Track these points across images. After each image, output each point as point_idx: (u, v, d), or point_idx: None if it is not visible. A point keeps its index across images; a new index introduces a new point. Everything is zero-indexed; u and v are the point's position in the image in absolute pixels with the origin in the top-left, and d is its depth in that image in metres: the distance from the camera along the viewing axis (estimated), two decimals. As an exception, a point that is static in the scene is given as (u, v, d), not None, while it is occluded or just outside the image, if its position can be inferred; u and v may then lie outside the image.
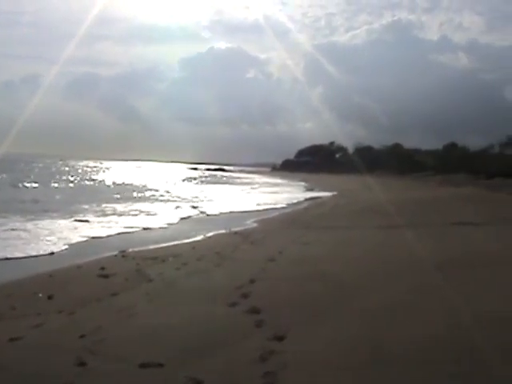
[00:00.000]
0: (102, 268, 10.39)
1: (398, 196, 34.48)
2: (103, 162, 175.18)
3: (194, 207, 28.05)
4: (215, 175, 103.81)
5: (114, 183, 54.41)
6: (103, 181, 60.19)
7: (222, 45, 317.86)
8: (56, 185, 47.66)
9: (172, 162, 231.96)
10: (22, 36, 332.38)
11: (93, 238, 15.53)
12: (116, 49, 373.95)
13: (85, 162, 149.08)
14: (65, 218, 20.13)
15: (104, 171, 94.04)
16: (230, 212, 26.00)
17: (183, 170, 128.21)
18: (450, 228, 16.74)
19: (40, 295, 8.39)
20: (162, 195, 38.27)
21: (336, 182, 63.44)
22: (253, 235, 15.48)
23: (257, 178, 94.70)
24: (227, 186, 62.21)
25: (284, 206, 31.10)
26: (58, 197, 32.81)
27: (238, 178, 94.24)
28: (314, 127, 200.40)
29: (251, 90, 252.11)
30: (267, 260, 10.75)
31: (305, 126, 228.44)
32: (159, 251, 12.64)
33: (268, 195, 42.19)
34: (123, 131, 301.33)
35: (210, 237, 15.88)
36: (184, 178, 72.07)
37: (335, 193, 43.17)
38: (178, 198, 35.99)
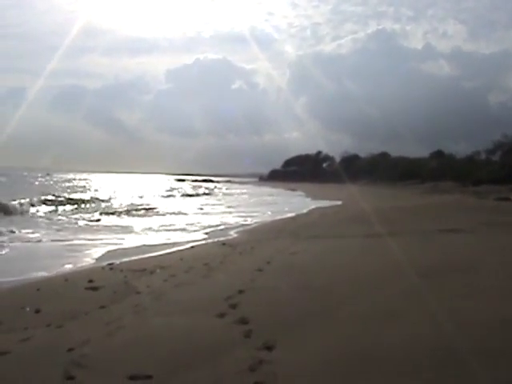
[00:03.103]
0: (90, 281, 10.32)
1: (386, 204, 34.61)
2: (91, 174, 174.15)
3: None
4: (214, 188, 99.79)
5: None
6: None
7: (207, 56, 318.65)
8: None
9: (158, 173, 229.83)
10: (6, 49, 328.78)
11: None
12: (101, 61, 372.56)
13: (77, 175, 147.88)
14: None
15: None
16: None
17: (172, 182, 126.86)
18: (438, 235, 16.86)
19: (27, 309, 8.31)
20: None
21: (325, 192, 63.61)
22: (240, 246, 15.47)
23: (257, 189, 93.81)
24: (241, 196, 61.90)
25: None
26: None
27: (238, 189, 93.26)
28: (301, 137, 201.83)
29: (237, 100, 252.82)
30: (255, 270, 10.76)
31: (291, 135, 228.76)
32: (147, 263, 12.58)
33: (286, 205, 42.35)
34: (110, 143, 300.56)
35: (198, 247, 15.85)
36: (189, 192, 70.13)
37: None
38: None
